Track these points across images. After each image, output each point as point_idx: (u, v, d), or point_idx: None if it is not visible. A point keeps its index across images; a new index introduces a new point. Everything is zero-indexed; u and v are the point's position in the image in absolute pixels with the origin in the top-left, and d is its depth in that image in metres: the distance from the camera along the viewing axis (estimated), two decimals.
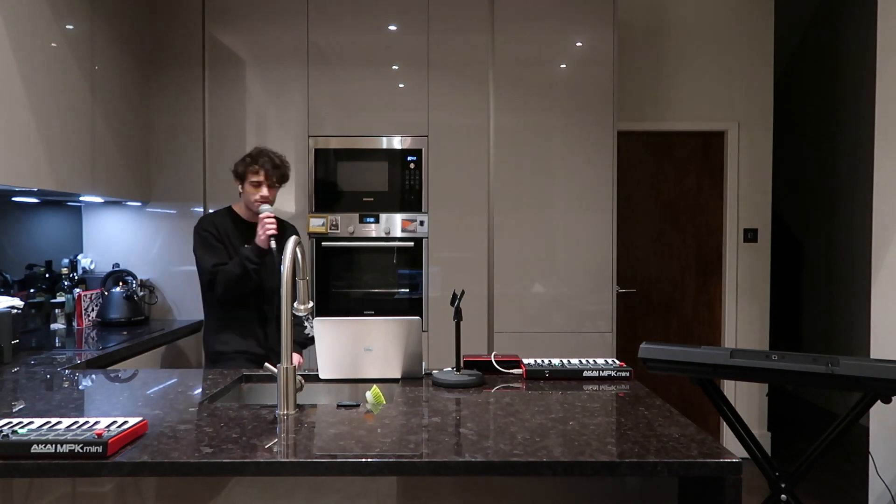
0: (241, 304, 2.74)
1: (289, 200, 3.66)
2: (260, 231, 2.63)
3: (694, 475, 1.50)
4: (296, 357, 2.70)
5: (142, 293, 3.49)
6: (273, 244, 2.63)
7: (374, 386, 1.94)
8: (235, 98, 3.66)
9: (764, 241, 4.42)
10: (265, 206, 2.69)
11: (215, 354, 2.78)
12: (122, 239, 3.67)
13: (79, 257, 3.53)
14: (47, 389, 2.03)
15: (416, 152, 3.65)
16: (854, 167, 5.10)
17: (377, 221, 3.64)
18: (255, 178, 2.70)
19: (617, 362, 2.27)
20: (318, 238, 3.64)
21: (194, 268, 3.61)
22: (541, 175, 3.67)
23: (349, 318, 2.28)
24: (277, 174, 2.72)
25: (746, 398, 4.37)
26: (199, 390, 2.03)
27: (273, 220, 2.65)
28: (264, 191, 2.70)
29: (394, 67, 3.67)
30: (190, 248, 3.63)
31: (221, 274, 2.65)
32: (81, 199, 3.34)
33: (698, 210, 4.47)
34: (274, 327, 2.80)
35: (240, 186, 2.76)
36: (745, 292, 4.40)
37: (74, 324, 3.27)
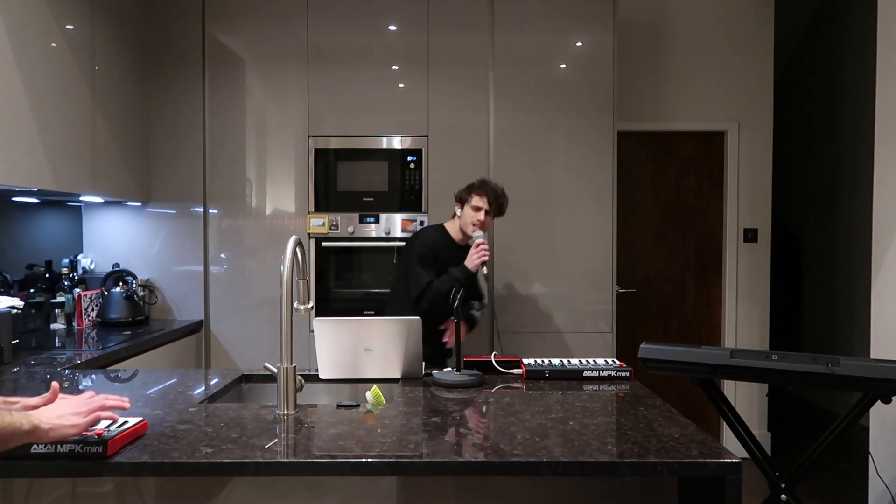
0: (443, 319, 2.82)
1: (289, 200, 3.67)
2: (475, 255, 2.82)
3: (694, 475, 1.50)
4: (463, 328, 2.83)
5: (142, 293, 3.49)
6: (484, 270, 2.84)
7: (374, 386, 1.94)
8: (235, 98, 3.66)
9: (764, 241, 4.42)
10: (479, 233, 2.86)
11: None
12: (122, 239, 3.67)
13: (79, 257, 3.53)
14: (47, 390, 2.02)
15: (416, 152, 3.64)
16: (854, 167, 5.10)
17: (377, 221, 3.64)
18: (477, 203, 2.89)
19: (617, 362, 2.27)
20: (318, 238, 3.64)
21: (194, 267, 3.66)
22: (541, 175, 3.66)
23: (349, 318, 2.28)
24: (497, 204, 2.92)
25: (746, 398, 4.37)
26: (199, 390, 2.03)
27: (487, 247, 2.83)
28: (482, 215, 2.88)
29: (394, 67, 3.67)
30: (190, 247, 3.66)
31: (430, 291, 2.81)
32: (81, 199, 3.34)
33: (698, 210, 4.47)
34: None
35: (459, 209, 2.96)
36: (745, 292, 4.40)
37: (74, 324, 3.27)
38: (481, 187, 2.91)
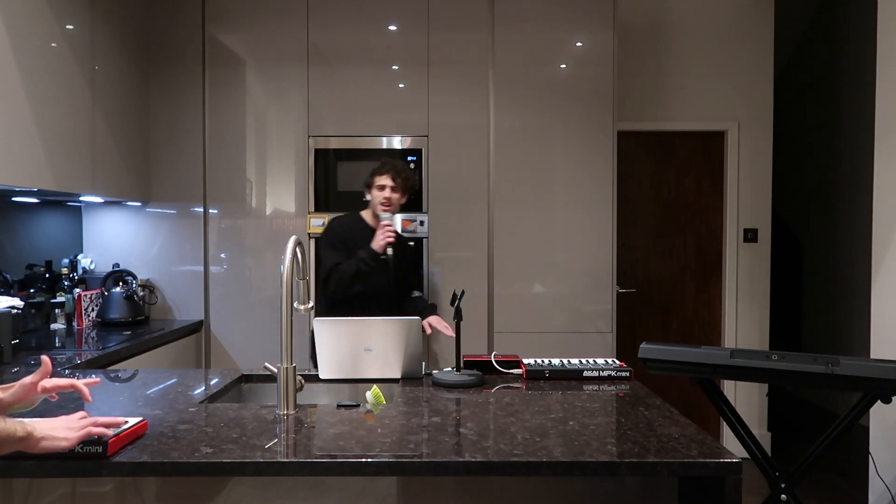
0: (348, 303, 2.85)
1: (289, 200, 3.66)
2: (380, 236, 2.83)
3: (694, 475, 1.50)
4: (436, 319, 2.82)
5: (142, 293, 3.49)
6: (389, 251, 2.84)
7: (374, 386, 1.94)
8: (235, 98, 3.66)
9: (764, 241, 4.42)
10: (386, 215, 2.89)
11: None
12: (122, 239, 3.67)
13: (79, 257, 3.53)
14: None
15: (416, 152, 3.64)
16: (854, 167, 5.10)
17: None
18: (380, 182, 2.91)
19: (617, 362, 2.27)
20: (318, 238, 3.64)
21: (194, 267, 3.67)
22: (541, 175, 3.66)
23: (349, 318, 2.28)
24: (400, 179, 2.92)
25: (746, 398, 4.37)
26: (199, 390, 2.03)
27: (392, 228, 2.85)
28: (387, 192, 2.90)
29: (394, 67, 3.67)
30: (190, 247, 3.66)
31: (336, 272, 2.85)
32: (81, 199, 3.34)
33: (698, 210, 4.47)
34: None
35: (368, 195, 2.98)
36: (745, 292, 4.40)
37: (74, 324, 3.27)
38: (382, 166, 2.96)
